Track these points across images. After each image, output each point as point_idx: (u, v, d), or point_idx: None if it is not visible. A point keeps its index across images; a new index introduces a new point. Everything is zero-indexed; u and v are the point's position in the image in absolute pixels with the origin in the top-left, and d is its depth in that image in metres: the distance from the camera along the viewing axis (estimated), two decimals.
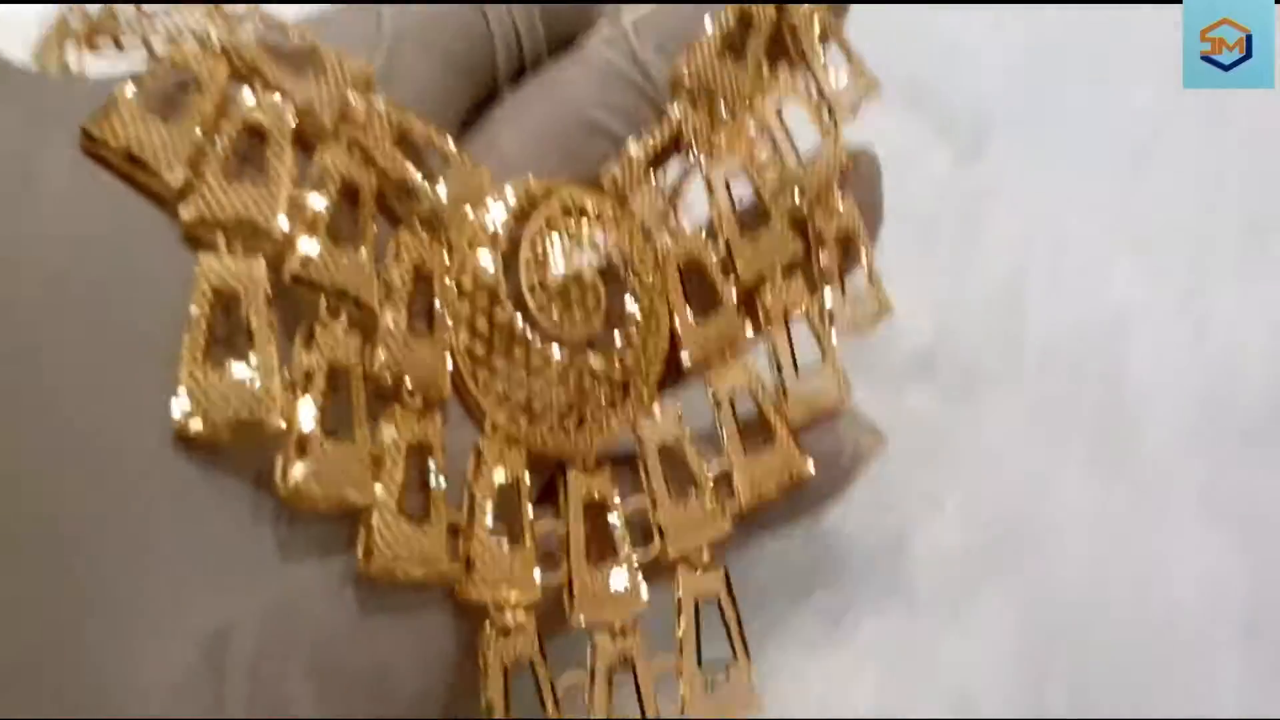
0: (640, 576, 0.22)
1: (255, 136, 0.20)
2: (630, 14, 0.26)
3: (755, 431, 0.24)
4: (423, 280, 0.21)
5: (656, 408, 0.23)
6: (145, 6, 0.22)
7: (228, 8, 0.22)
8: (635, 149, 0.24)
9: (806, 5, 0.25)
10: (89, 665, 0.17)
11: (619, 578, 0.22)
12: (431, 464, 0.20)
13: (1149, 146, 0.34)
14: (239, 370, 0.18)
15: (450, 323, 0.22)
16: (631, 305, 0.23)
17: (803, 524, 0.25)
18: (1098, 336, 0.31)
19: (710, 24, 0.24)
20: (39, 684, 0.16)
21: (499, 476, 0.21)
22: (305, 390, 0.19)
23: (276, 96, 0.20)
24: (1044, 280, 0.32)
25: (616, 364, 0.23)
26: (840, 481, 0.25)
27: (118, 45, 0.21)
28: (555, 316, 0.22)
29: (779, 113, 0.25)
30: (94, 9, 0.22)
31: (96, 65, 0.23)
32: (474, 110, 0.24)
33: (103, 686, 0.17)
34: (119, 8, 0.22)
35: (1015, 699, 0.27)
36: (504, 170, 0.23)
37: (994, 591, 0.28)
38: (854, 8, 0.36)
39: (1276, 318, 0.32)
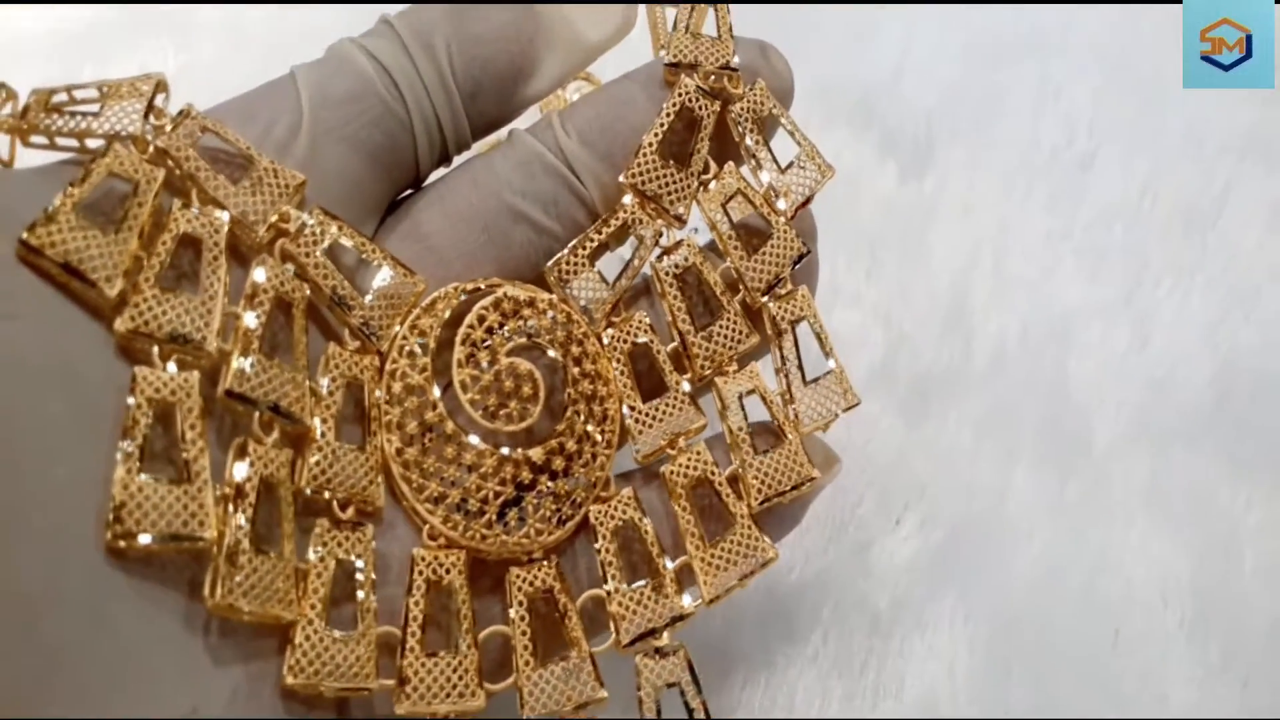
0: (595, 673, 0.22)
1: (190, 246, 0.21)
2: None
3: (713, 518, 0.23)
4: (353, 390, 0.22)
5: (613, 491, 0.23)
6: (77, 93, 0.22)
7: (160, 103, 0.22)
8: (580, 245, 0.24)
9: (750, 97, 0.25)
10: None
11: (572, 674, 0.22)
12: (359, 579, 0.21)
13: (1088, 152, 0.35)
14: (172, 483, 0.19)
15: (381, 429, 0.22)
16: (571, 394, 0.23)
17: None
18: (1043, 341, 0.33)
19: (648, 133, 0.24)
20: None
21: (434, 582, 0.21)
22: (237, 505, 0.19)
23: (212, 208, 0.21)
24: (989, 289, 0.33)
25: (559, 454, 0.23)
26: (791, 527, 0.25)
27: (52, 145, 0.21)
28: (490, 411, 0.22)
29: (723, 205, 0.24)
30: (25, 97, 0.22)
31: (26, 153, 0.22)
32: (395, 197, 0.25)
33: None
34: (50, 100, 0.21)
35: (978, 701, 0.28)
36: (427, 255, 0.23)
37: (953, 597, 0.29)
38: (798, 19, 0.37)
39: (1215, 316, 0.33)
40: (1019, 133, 0.36)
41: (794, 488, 0.23)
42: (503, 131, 0.26)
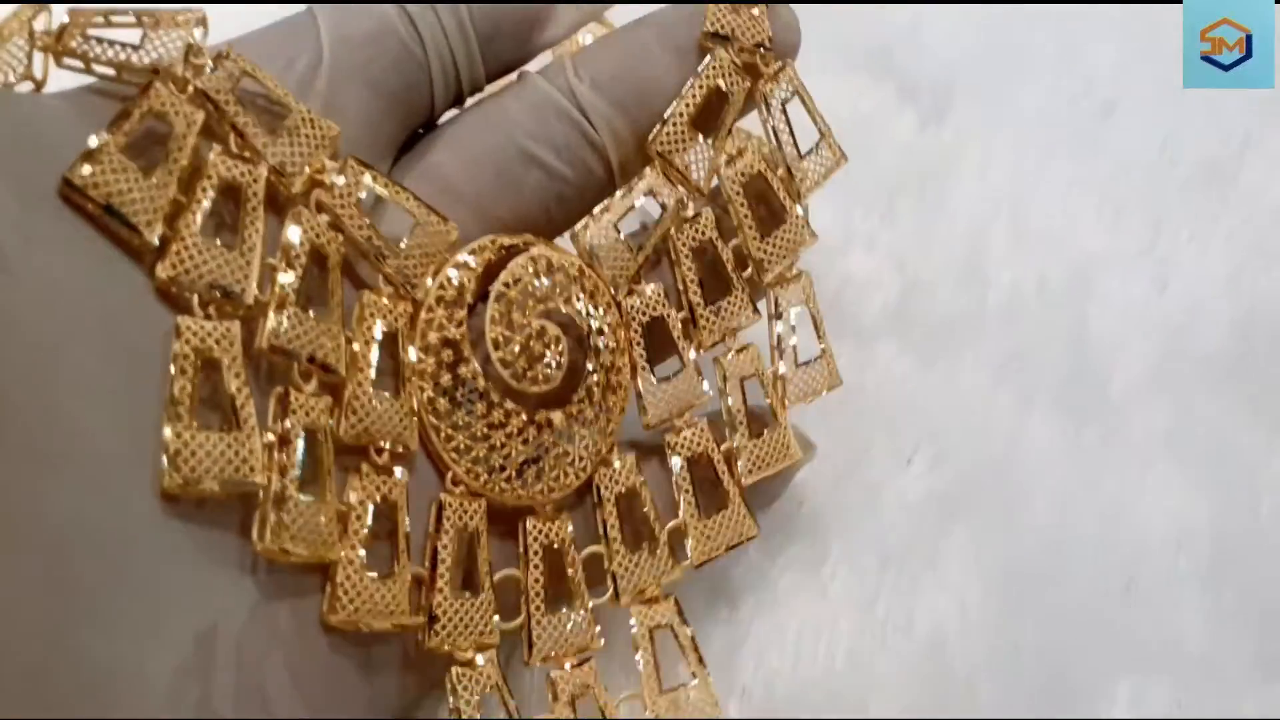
0: (594, 622, 0.23)
1: (229, 193, 0.21)
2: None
3: (709, 491, 0.25)
4: (388, 339, 0.22)
5: (615, 459, 0.24)
6: (114, 18, 0.21)
7: (199, 39, 0.21)
8: (607, 210, 0.24)
9: (777, 73, 0.25)
10: (83, 666, 0.17)
11: (574, 622, 0.23)
12: (396, 522, 0.21)
13: (1109, 103, 0.35)
14: (222, 430, 0.19)
15: (415, 379, 0.22)
16: (593, 364, 0.23)
17: None
18: (1061, 288, 0.32)
19: (678, 101, 0.24)
20: (35, 685, 0.17)
21: (460, 528, 0.22)
22: (283, 451, 0.20)
23: (252, 156, 0.21)
24: (1008, 236, 0.33)
25: (577, 420, 0.23)
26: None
27: (88, 69, 0.21)
28: (519, 372, 0.23)
29: (742, 185, 0.25)
30: (61, 11, 0.21)
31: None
32: (408, 138, 0.25)
33: (97, 685, 0.18)
34: (90, 21, 0.21)
35: (988, 641, 0.27)
36: (442, 195, 0.23)
37: (964, 539, 0.29)
38: None
39: (1235, 266, 0.32)
40: (1039, 84, 0.35)
41: (779, 469, 0.25)
42: (512, 74, 0.25)
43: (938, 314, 0.32)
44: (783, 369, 0.26)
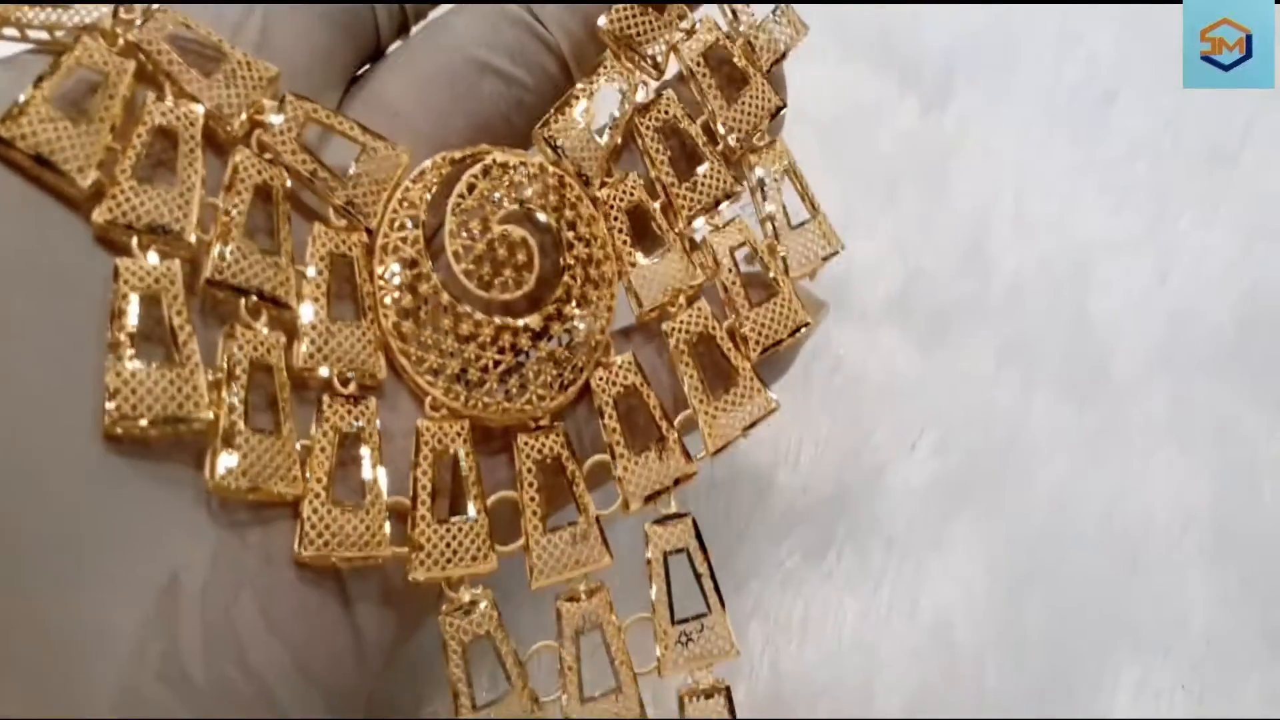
0: (601, 535, 0.22)
1: (166, 138, 0.20)
2: None
3: (716, 373, 0.24)
4: (343, 268, 0.22)
5: (614, 357, 0.23)
6: None
7: None
8: (567, 105, 0.23)
9: None
10: (41, 625, 0.17)
11: (579, 538, 0.22)
12: (365, 450, 0.21)
13: (1111, 89, 0.35)
14: (163, 367, 0.19)
15: (376, 304, 0.22)
16: (567, 259, 0.23)
17: None
18: (1064, 274, 0.32)
19: None
20: None
21: (439, 451, 0.21)
22: (229, 386, 0.20)
23: (186, 101, 0.21)
24: (1010, 221, 0.33)
25: (556, 320, 0.23)
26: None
27: (23, 37, 0.21)
28: (484, 280, 0.22)
29: (703, 57, 0.25)
30: None
31: None
32: (358, 68, 0.24)
33: (57, 645, 0.17)
34: None
35: (993, 622, 0.28)
36: (394, 119, 0.23)
37: (969, 521, 0.29)
38: None
39: (1237, 250, 0.33)
40: (1040, 70, 0.35)
41: (790, 335, 0.24)
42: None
43: (940, 300, 0.32)
44: (779, 235, 0.25)
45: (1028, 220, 0.33)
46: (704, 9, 0.25)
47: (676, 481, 0.23)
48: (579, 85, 0.24)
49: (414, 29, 0.24)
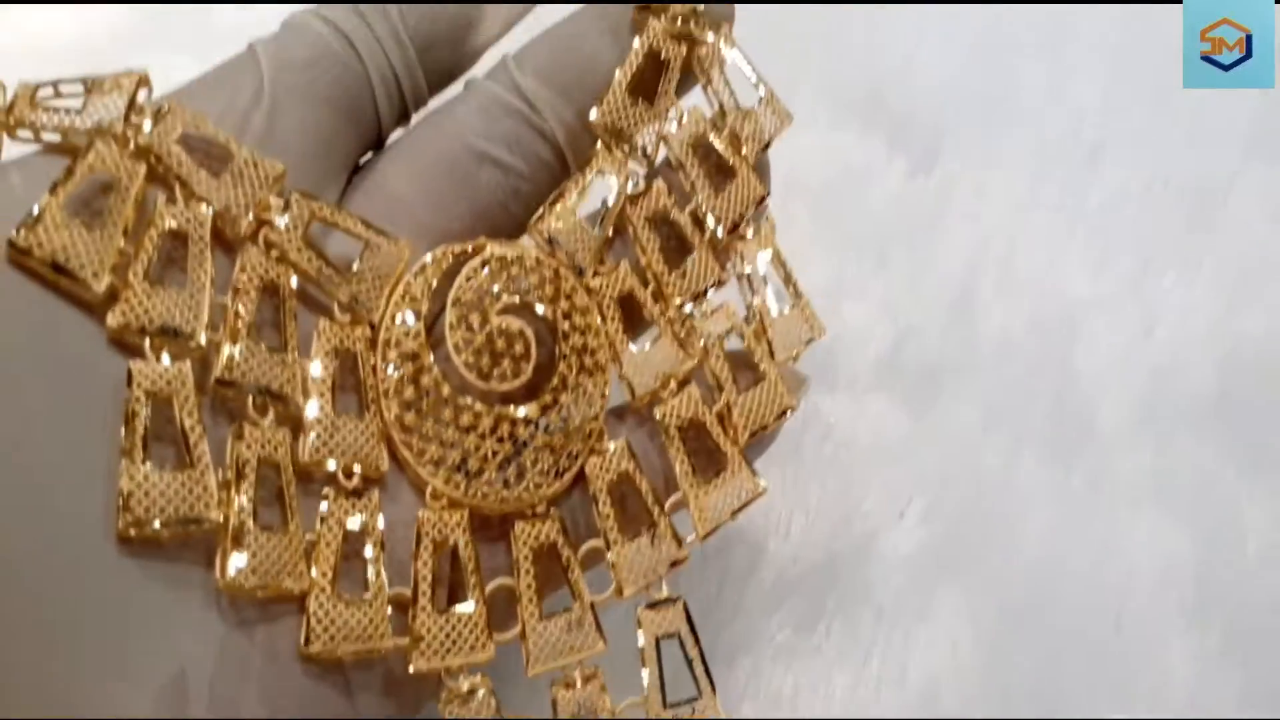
0: (595, 623, 0.23)
1: (176, 239, 0.21)
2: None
3: (706, 458, 0.24)
4: (348, 362, 0.23)
5: (607, 442, 0.24)
6: (63, 88, 0.22)
7: (143, 99, 0.22)
8: (561, 197, 0.24)
9: (716, 42, 0.26)
10: (55, 707, 0.18)
11: (574, 625, 0.23)
12: (369, 545, 0.22)
13: (1097, 147, 0.35)
14: (176, 470, 0.20)
15: (379, 398, 0.23)
16: (564, 347, 0.24)
17: None
18: (1050, 332, 0.33)
19: (617, 71, 0.25)
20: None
21: (439, 541, 0.22)
22: (238, 486, 0.20)
23: (196, 202, 0.22)
24: (997, 281, 0.34)
25: (553, 408, 0.23)
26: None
27: (37, 139, 0.22)
28: (484, 371, 0.23)
29: (691, 148, 0.25)
30: (10, 90, 0.22)
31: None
32: (361, 156, 0.25)
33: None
34: (38, 89, 0.22)
35: (980, 685, 0.29)
36: (395, 207, 0.24)
37: (956, 588, 0.30)
38: (805, 16, 0.37)
39: (1220, 306, 0.33)
40: (1026, 126, 0.36)
41: (776, 419, 0.25)
42: (459, 85, 0.26)
43: (929, 361, 0.33)
44: (764, 321, 0.26)
45: (1013, 277, 0.34)
46: (691, 99, 0.26)
47: (670, 566, 0.24)
48: (571, 179, 0.25)
49: (414, 117, 0.25)
